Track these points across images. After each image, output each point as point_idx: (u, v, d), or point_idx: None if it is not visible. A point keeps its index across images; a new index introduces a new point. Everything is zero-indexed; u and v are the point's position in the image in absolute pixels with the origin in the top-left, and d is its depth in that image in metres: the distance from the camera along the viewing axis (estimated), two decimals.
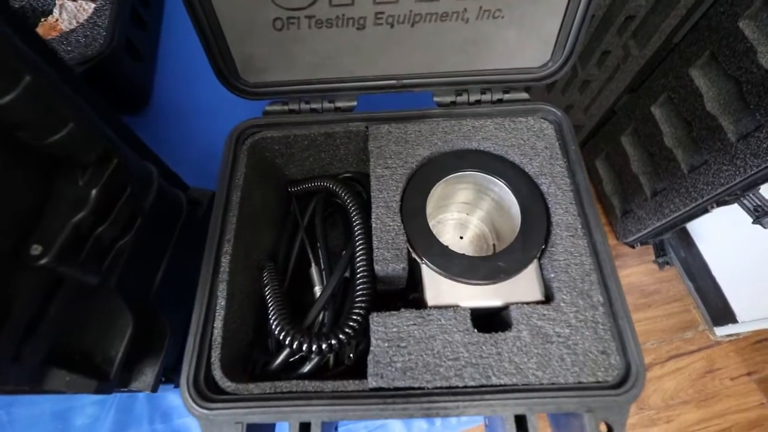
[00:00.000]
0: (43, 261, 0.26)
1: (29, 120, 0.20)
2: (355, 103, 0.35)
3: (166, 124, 0.56)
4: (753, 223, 0.91)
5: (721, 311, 1.23)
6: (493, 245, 0.39)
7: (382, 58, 0.32)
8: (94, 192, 0.25)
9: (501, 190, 0.35)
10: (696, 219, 1.08)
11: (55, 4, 0.53)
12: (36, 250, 0.26)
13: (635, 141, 1.24)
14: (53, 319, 0.30)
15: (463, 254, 0.34)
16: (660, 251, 1.30)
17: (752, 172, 0.88)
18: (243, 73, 0.33)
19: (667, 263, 1.28)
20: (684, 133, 1.08)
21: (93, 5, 0.52)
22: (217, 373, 0.32)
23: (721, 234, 1.23)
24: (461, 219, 0.39)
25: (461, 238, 0.40)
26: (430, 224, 0.37)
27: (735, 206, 0.96)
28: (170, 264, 0.38)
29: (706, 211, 1.01)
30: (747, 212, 0.92)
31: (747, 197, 0.93)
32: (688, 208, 1.05)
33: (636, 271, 1.31)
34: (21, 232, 0.26)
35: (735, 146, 0.92)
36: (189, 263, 0.40)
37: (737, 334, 1.25)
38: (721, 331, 1.25)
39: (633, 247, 1.32)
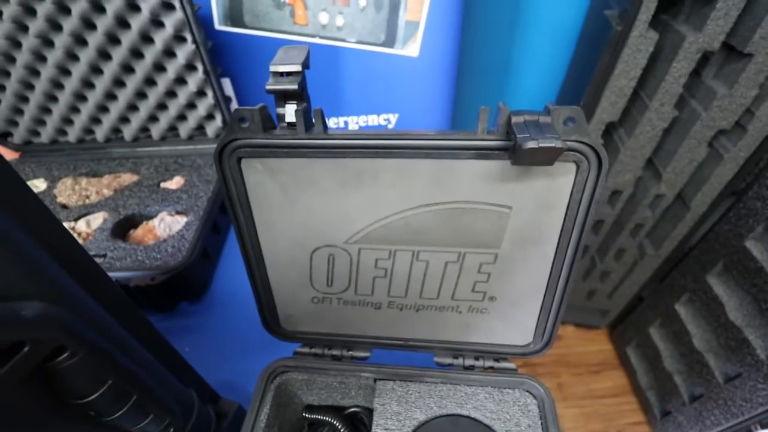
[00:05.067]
0: None
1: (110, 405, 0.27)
2: (368, 354, 0.42)
3: (218, 313, 0.66)
4: None
5: None
6: None
7: (392, 326, 0.40)
8: None
9: None
10: None
11: (156, 214, 0.69)
12: None
13: (664, 335, 1.21)
14: None
15: None
16: None
17: None
18: (283, 324, 0.42)
19: None
20: (713, 337, 1.06)
21: (185, 219, 0.68)
22: None
23: None
24: None
25: None
26: None
27: None
28: None
29: (749, 431, 0.93)
30: None
31: None
32: (730, 424, 0.97)
33: None
34: None
35: (765, 363, 0.89)
36: None
37: None
38: None
39: None
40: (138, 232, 0.68)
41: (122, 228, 0.67)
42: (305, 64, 0.30)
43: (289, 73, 0.30)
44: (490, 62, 1.04)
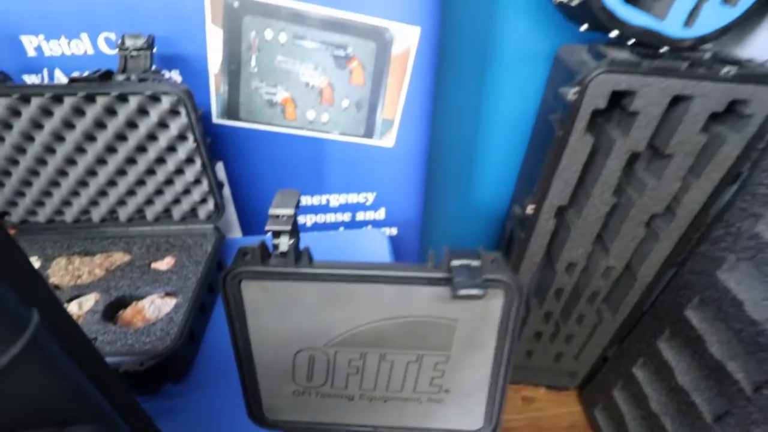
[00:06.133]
0: None
1: None
2: None
3: (200, 394, 0.69)
4: None
5: None
6: None
7: (363, 414, 0.46)
8: None
9: None
10: None
11: (146, 295, 0.74)
12: None
13: (626, 398, 1.28)
14: None
15: None
16: None
17: None
18: (266, 413, 0.47)
19: None
20: (667, 400, 1.13)
21: (175, 301, 0.73)
22: None
23: None
24: None
25: None
26: None
27: None
28: None
29: None
30: None
31: None
32: None
33: None
34: None
35: (712, 427, 0.96)
36: None
37: None
38: None
39: None
40: (127, 313, 0.72)
41: (113, 309, 0.71)
42: (297, 206, 0.39)
43: (283, 216, 0.38)
44: (458, 149, 1.18)
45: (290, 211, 0.38)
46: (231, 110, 0.89)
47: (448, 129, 1.14)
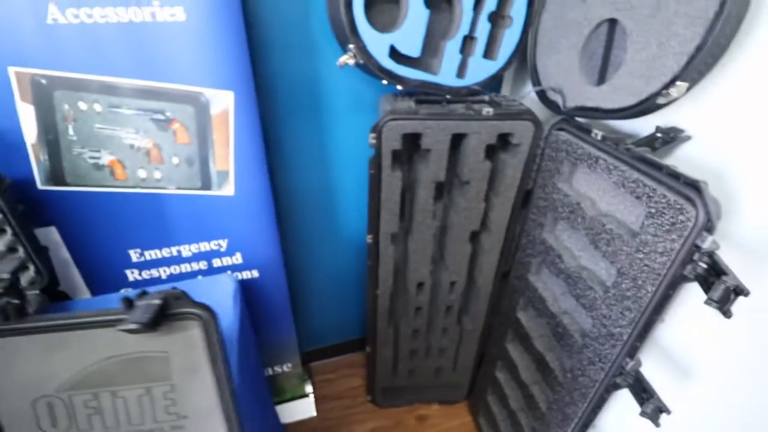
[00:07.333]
0: None
1: None
2: None
3: None
4: None
5: None
6: None
7: None
8: None
9: None
10: None
11: None
12: None
13: (495, 401, 1.40)
14: None
15: None
16: None
17: None
18: None
19: None
20: (519, 396, 1.26)
21: None
22: None
23: None
24: None
25: None
26: None
27: None
28: None
29: None
30: None
31: None
32: None
33: None
34: None
35: (546, 415, 1.09)
36: None
37: None
38: None
39: None
40: None
41: None
42: (15, 273, 0.44)
43: None
44: (316, 189, 1.29)
45: (5, 276, 0.43)
46: (56, 176, 0.91)
47: (301, 172, 1.25)
